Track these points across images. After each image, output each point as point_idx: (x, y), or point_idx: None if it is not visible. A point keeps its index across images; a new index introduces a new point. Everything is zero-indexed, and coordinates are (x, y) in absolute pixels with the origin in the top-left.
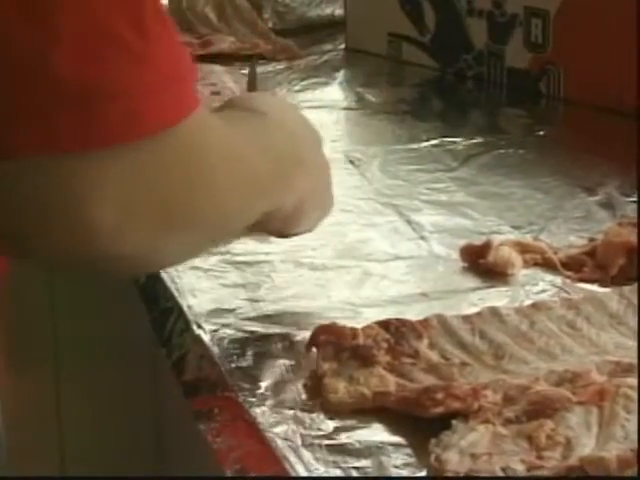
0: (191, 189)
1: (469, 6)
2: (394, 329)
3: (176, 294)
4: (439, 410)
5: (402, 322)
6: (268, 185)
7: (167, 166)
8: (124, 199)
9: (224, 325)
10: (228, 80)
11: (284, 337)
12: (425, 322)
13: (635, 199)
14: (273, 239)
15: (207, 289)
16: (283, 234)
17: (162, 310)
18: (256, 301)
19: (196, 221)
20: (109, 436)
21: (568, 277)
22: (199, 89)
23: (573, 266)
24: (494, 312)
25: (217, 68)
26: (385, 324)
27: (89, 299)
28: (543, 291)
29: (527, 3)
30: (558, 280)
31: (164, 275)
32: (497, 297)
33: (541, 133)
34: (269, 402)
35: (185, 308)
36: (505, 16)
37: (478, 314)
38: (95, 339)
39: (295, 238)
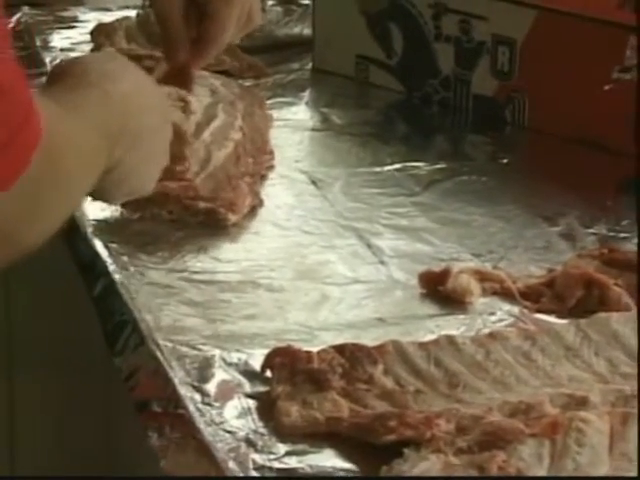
0: (55, 191)
1: (437, 31)
2: (349, 354)
3: (132, 308)
4: (391, 437)
5: (358, 347)
6: (99, 160)
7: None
8: None
9: (179, 342)
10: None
11: (239, 358)
12: (381, 348)
13: (595, 231)
14: (230, 258)
15: (163, 306)
16: (115, 197)
17: (117, 323)
18: (212, 320)
19: (59, 211)
20: (61, 443)
21: (526, 307)
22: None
23: (531, 296)
24: (450, 340)
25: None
26: (341, 349)
27: (45, 305)
28: (500, 320)
29: (494, 31)
30: (516, 310)
31: (121, 289)
32: (454, 325)
33: (504, 161)
34: (221, 422)
35: (140, 323)
36: (472, 43)
37: (434, 341)
38: (50, 346)
39: (254, 258)
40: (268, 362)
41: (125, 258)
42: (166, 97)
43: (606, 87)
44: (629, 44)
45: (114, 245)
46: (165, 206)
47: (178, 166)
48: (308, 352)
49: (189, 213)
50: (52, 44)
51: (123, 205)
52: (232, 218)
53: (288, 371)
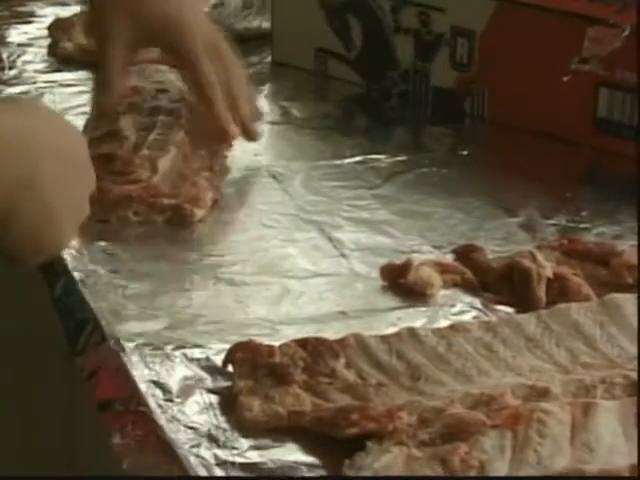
0: None
1: (396, 24)
2: (311, 348)
3: (93, 305)
4: (354, 431)
5: (319, 341)
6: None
7: None
8: None
9: (140, 339)
10: (174, 79)
11: (200, 353)
12: (342, 341)
13: (554, 222)
14: (191, 253)
15: (124, 302)
16: (22, 255)
17: (77, 321)
18: (173, 315)
19: None
20: (21, 445)
21: (487, 299)
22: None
23: (492, 288)
24: (412, 333)
25: (162, 67)
26: (302, 342)
27: (3, 304)
28: (461, 312)
29: (453, 22)
30: (477, 302)
31: (81, 287)
32: (416, 317)
33: (464, 153)
34: (183, 418)
35: (100, 321)
36: (431, 35)
37: (396, 334)
38: (10, 346)
39: (215, 252)
40: (229, 357)
41: (85, 256)
42: (84, 144)
43: (565, 78)
44: (587, 35)
45: (73, 243)
46: (130, 208)
47: (129, 176)
48: (270, 346)
49: (154, 212)
50: (9, 39)
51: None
52: (198, 213)
53: (250, 366)
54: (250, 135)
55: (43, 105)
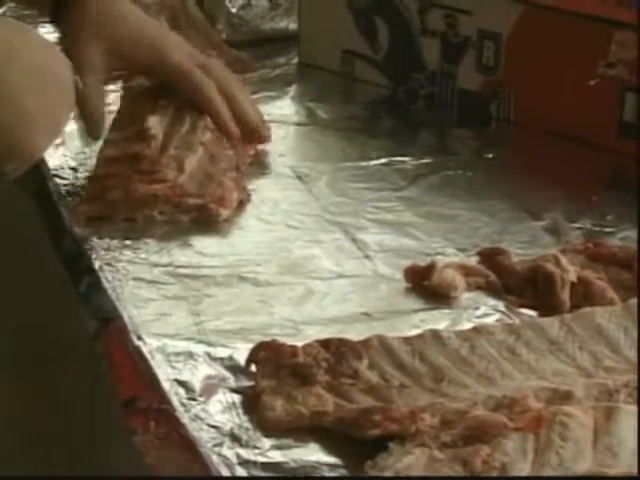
0: None
1: (423, 26)
2: (334, 348)
3: (117, 304)
4: (376, 432)
5: (342, 342)
6: None
7: None
8: None
9: (163, 337)
10: None
11: (224, 352)
12: (366, 342)
13: (580, 225)
14: (215, 253)
15: (148, 301)
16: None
17: (101, 319)
18: (197, 315)
19: None
20: (43, 441)
21: (510, 302)
22: None
23: (515, 291)
24: (435, 335)
25: None
26: (325, 343)
27: (26, 299)
28: (485, 315)
29: (480, 25)
30: (500, 304)
31: (106, 284)
32: (439, 319)
33: (490, 156)
34: (205, 417)
35: (126, 318)
36: (458, 37)
37: (419, 336)
38: (34, 342)
39: (239, 252)
40: (252, 356)
41: (110, 254)
42: (68, 69)
43: (591, 82)
44: (614, 39)
45: (99, 241)
46: (155, 207)
47: (155, 175)
48: (293, 346)
49: (180, 211)
50: None
51: (112, 212)
52: (223, 213)
53: (273, 365)
54: (257, 138)
55: (28, 26)
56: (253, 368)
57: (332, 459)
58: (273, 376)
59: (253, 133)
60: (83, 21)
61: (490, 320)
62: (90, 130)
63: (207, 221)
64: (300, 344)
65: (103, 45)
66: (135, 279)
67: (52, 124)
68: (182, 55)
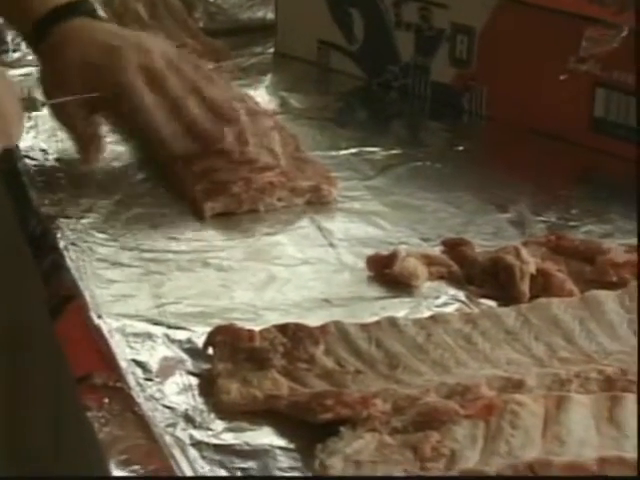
0: None
1: (397, 18)
2: (291, 333)
3: (79, 283)
4: (328, 416)
5: (300, 327)
6: None
7: None
8: None
9: (124, 317)
10: None
11: (182, 335)
12: (323, 328)
13: (544, 219)
14: (180, 238)
15: (110, 281)
16: None
17: (62, 296)
18: (158, 297)
19: None
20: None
21: (471, 292)
22: None
23: (476, 281)
24: (392, 322)
25: None
26: (283, 328)
27: None
28: (445, 304)
29: (454, 19)
30: (461, 294)
31: (69, 263)
32: (399, 307)
33: (460, 148)
34: (161, 397)
35: (87, 298)
36: (432, 30)
37: (376, 323)
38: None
39: (204, 238)
40: (210, 340)
41: (76, 234)
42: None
43: (562, 77)
44: (585, 35)
45: (65, 220)
46: (274, 194)
47: (255, 164)
48: (250, 331)
49: (295, 195)
50: None
51: (236, 205)
52: (334, 191)
53: (230, 349)
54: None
55: None
56: (210, 351)
57: (284, 442)
58: (230, 360)
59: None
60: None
61: (450, 309)
62: (88, 159)
63: (320, 201)
64: (258, 328)
65: (77, 70)
66: (98, 260)
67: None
68: (129, 68)
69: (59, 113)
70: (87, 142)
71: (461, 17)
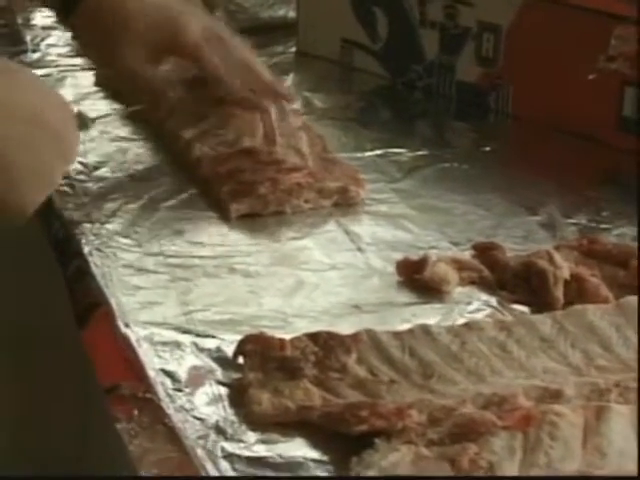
0: None
1: (422, 17)
2: (323, 342)
3: (105, 290)
4: (363, 428)
5: (331, 335)
6: None
7: None
8: None
9: (151, 325)
10: None
11: (211, 343)
12: (355, 336)
13: (575, 221)
14: (206, 243)
15: (137, 289)
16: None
17: (89, 304)
18: (185, 304)
19: None
20: (31, 429)
21: (503, 297)
22: None
23: (508, 287)
24: (425, 330)
25: None
26: (314, 337)
27: (10, 283)
28: (477, 310)
29: (480, 17)
30: (493, 300)
31: (94, 269)
32: (430, 314)
33: (487, 149)
34: (191, 409)
35: (114, 305)
36: (457, 29)
37: (409, 331)
38: (18, 328)
39: (230, 243)
40: (240, 349)
41: (100, 239)
42: (66, 112)
43: (590, 76)
44: (614, 33)
45: (89, 225)
46: (301, 196)
47: (282, 164)
48: (281, 339)
49: (323, 197)
50: (33, 22)
51: (263, 206)
52: (361, 193)
53: (260, 358)
54: (281, 97)
55: (28, 69)
56: (240, 360)
57: (318, 454)
58: (260, 369)
59: (273, 93)
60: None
61: (482, 315)
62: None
63: (348, 203)
64: (288, 337)
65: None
66: (124, 266)
67: (44, 179)
68: (193, 33)
69: (124, 70)
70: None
71: (487, 15)
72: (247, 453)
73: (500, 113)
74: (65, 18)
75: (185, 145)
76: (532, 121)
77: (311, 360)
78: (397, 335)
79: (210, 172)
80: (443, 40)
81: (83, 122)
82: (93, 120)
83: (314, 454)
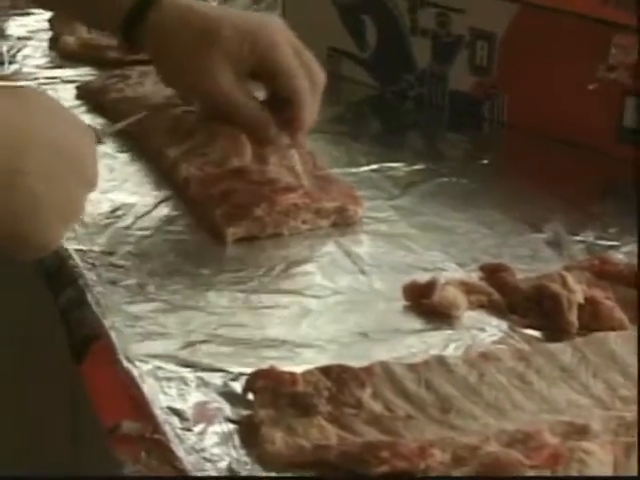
0: None
1: (413, 24)
2: (336, 376)
3: (103, 320)
4: (384, 469)
5: (344, 369)
6: None
7: None
8: None
9: (153, 359)
10: None
11: (217, 377)
12: (368, 370)
13: (582, 238)
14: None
15: (136, 319)
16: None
17: (86, 336)
18: (188, 335)
19: None
20: (19, 465)
21: (514, 322)
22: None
23: (519, 310)
24: (441, 361)
25: None
26: (326, 370)
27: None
28: (490, 336)
29: (473, 25)
30: (504, 325)
31: (90, 299)
32: (441, 340)
33: (484, 161)
34: (202, 449)
35: (112, 337)
36: (450, 37)
37: (424, 363)
38: (9, 358)
39: (230, 268)
40: (250, 385)
41: (97, 268)
42: (88, 139)
43: (590, 86)
44: (613, 42)
45: (84, 250)
46: (298, 217)
47: (277, 184)
48: (292, 374)
49: (320, 217)
50: (8, 32)
51: (260, 229)
52: (360, 211)
53: (271, 394)
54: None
55: (45, 93)
56: (250, 397)
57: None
58: (272, 406)
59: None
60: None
61: (495, 341)
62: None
63: (347, 222)
64: (299, 370)
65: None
66: (121, 296)
67: (69, 209)
68: (287, 48)
69: (224, 102)
70: (265, 117)
71: (481, 22)
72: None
73: (495, 123)
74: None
75: (171, 165)
76: (528, 131)
77: (324, 395)
78: (412, 367)
79: (200, 194)
80: (435, 48)
81: (98, 138)
82: (105, 134)
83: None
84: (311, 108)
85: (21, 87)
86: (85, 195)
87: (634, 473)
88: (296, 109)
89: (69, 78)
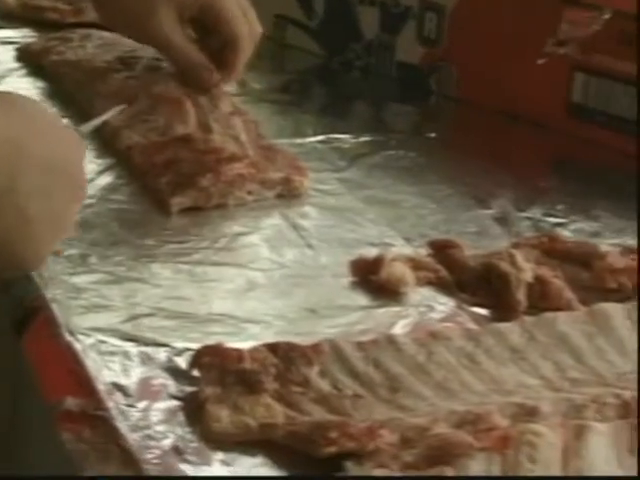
0: None
1: None
2: (283, 353)
3: (45, 293)
4: (332, 449)
5: (292, 346)
6: None
7: None
8: None
9: (96, 333)
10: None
11: (161, 352)
12: (316, 347)
13: (530, 215)
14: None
15: (78, 291)
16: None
17: (27, 310)
18: (132, 308)
19: None
20: None
21: (462, 300)
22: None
23: (468, 288)
24: (390, 340)
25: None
26: (273, 347)
27: None
28: (437, 313)
29: None
30: (452, 302)
31: (33, 272)
32: (389, 318)
33: (432, 135)
34: (145, 426)
35: (55, 309)
36: (399, 7)
37: (373, 341)
38: None
39: (173, 239)
40: (196, 361)
41: None
42: (79, 150)
43: (540, 61)
44: (564, 17)
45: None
46: (244, 187)
47: (222, 154)
48: (239, 351)
49: (266, 187)
50: None
51: (205, 199)
52: (305, 183)
53: (217, 371)
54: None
55: (37, 102)
56: (196, 373)
57: (282, 475)
58: (218, 383)
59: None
60: None
61: (442, 318)
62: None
63: (292, 194)
64: (246, 347)
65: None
66: (63, 268)
67: (59, 225)
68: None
69: (164, 44)
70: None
71: None
72: (207, 474)
73: (442, 95)
74: None
75: (113, 131)
76: (477, 104)
77: (271, 373)
78: (361, 346)
79: (144, 162)
80: (383, 18)
81: None
82: (86, 136)
83: (279, 475)
84: (247, 55)
85: (7, 93)
86: (74, 211)
87: (586, 459)
88: (234, 54)
89: (8, 39)
